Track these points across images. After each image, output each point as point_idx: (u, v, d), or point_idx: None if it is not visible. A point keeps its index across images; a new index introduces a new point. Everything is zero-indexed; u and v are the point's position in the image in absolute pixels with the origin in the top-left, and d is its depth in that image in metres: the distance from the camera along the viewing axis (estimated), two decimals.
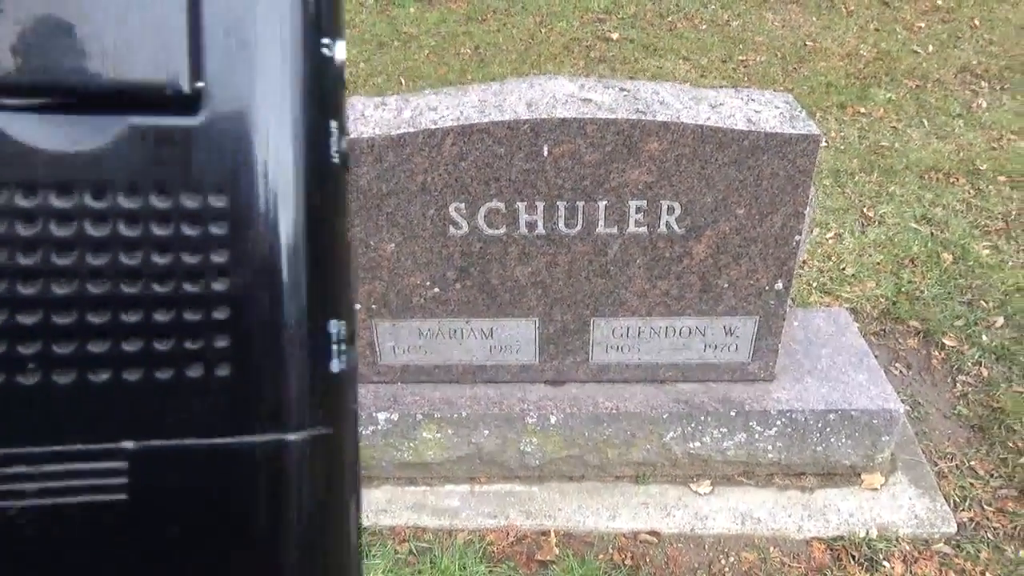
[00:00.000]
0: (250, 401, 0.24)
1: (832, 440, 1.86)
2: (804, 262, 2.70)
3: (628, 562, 1.77)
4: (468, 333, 1.81)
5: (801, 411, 1.82)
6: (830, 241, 2.85)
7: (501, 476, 1.93)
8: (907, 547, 1.79)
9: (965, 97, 3.94)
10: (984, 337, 2.39)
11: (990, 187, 3.16)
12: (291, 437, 0.24)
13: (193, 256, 0.23)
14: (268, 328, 0.24)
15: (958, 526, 1.83)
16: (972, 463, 2.01)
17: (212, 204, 0.23)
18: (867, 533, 1.81)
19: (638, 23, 4.83)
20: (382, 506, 1.88)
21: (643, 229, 1.66)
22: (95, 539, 0.23)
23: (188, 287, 0.23)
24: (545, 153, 1.57)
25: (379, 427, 1.84)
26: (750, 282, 1.73)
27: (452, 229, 1.65)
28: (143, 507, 0.23)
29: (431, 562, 1.75)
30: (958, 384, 2.26)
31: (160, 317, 0.23)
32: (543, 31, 4.73)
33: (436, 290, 1.74)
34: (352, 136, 1.55)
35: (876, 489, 1.90)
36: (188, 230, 0.23)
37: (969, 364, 2.31)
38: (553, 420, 1.83)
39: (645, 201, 1.62)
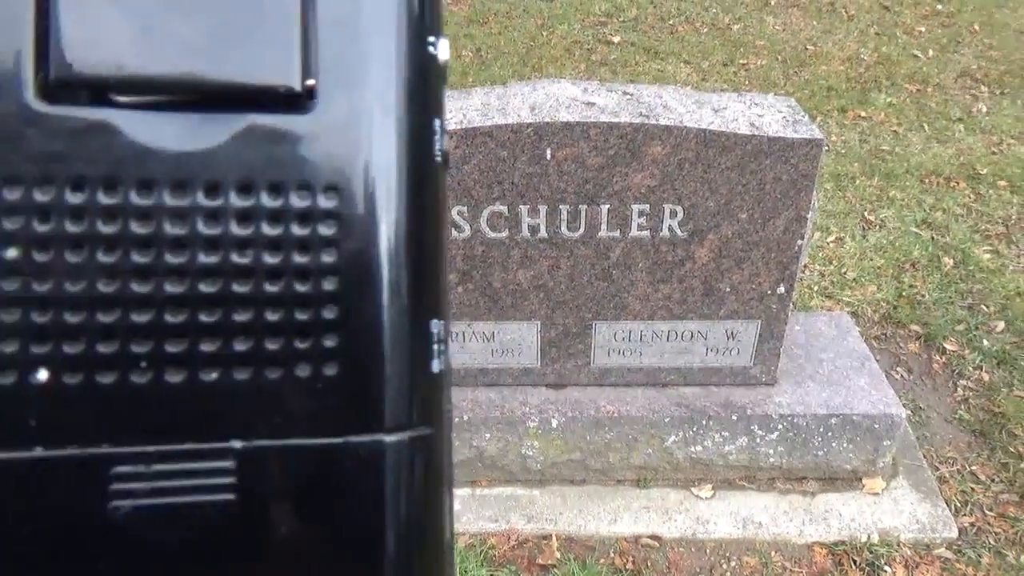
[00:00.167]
0: (356, 401, 0.24)
1: (834, 445, 1.86)
2: (805, 266, 2.70)
3: (630, 566, 1.77)
4: (470, 336, 1.81)
5: (803, 415, 1.82)
6: (831, 245, 2.85)
7: (502, 480, 1.93)
8: (908, 552, 1.79)
9: (965, 102, 3.94)
10: (985, 342, 2.39)
11: (990, 191, 3.17)
12: (394, 437, 0.24)
13: (303, 256, 0.23)
14: (375, 328, 0.24)
15: (959, 531, 1.83)
16: (973, 468, 2.01)
17: (322, 204, 0.23)
18: (868, 538, 1.81)
19: (639, 26, 4.83)
20: None
21: (645, 233, 1.66)
22: (201, 540, 0.23)
23: (298, 286, 0.23)
24: (548, 156, 1.57)
25: None
26: (752, 286, 1.73)
27: (454, 232, 1.65)
28: (248, 508, 0.23)
29: None
30: (959, 389, 2.26)
31: (270, 316, 0.23)
32: (545, 34, 4.74)
33: None
34: None
35: (877, 494, 1.90)
36: (298, 229, 0.23)
37: (970, 369, 2.31)
38: (555, 424, 1.83)
39: (648, 205, 1.62)
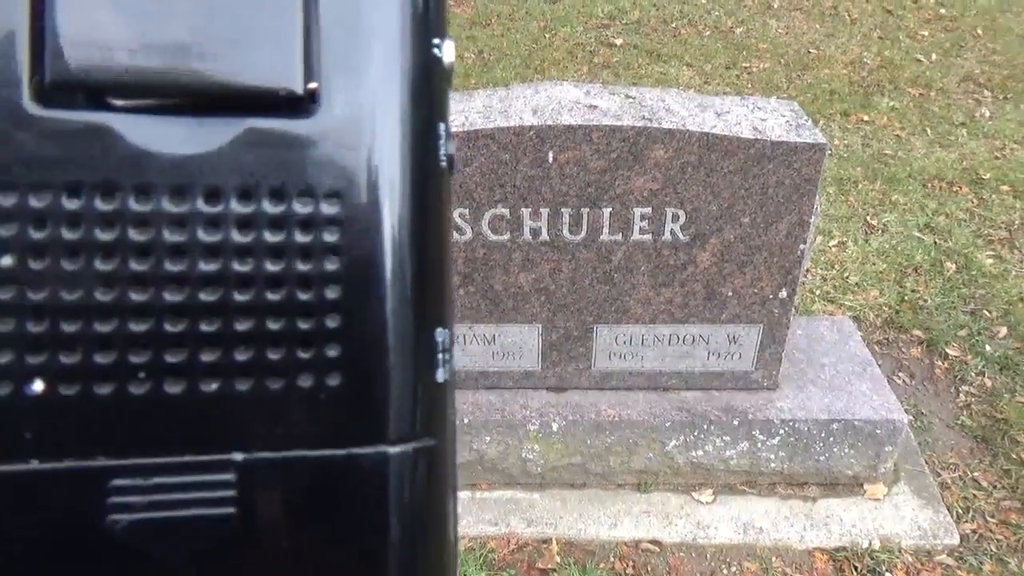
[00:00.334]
0: (359, 412, 0.23)
1: (835, 450, 1.85)
2: (807, 270, 2.70)
3: (630, 571, 1.76)
4: (471, 339, 1.81)
5: (804, 420, 1.82)
6: (833, 249, 2.84)
7: (502, 483, 1.92)
8: (910, 558, 1.79)
9: (968, 106, 3.94)
10: (987, 347, 2.38)
11: (993, 196, 3.16)
12: (398, 448, 0.24)
13: (305, 263, 0.22)
14: (379, 337, 0.23)
15: (961, 538, 1.82)
16: (975, 474, 2.00)
17: (324, 210, 0.22)
18: (870, 544, 1.80)
19: (642, 29, 4.83)
20: None
21: (647, 237, 1.65)
22: (201, 555, 0.23)
23: (300, 295, 0.22)
24: (550, 159, 1.56)
25: None
26: (754, 290, 1.73)
27: (456, 235, 1.65)
28: (249, 521, 0.23)
29: None
30: (961, 394, 2.25)
31: (272, 325, 0.22)
32: (547, 36, 4.73)
33: None
34: None
35: (879, 499, 1.89)
36: (300, 236, 0.22)
37: (972, 374, 2.30)
38: (555, 427, 1.82)
39: (650, 208, 1.62)
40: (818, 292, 2.62)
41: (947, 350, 2.38)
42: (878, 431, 1.82)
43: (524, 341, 1.81)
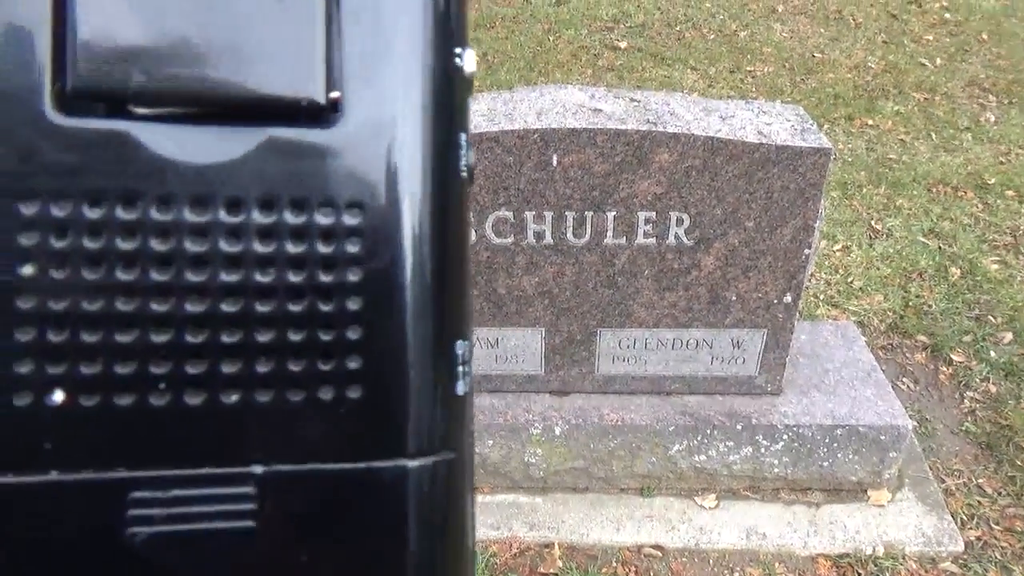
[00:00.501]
0: (379, 425, 0.23)
1: (839, 455, 1.84)
2: (812, 274, 2.69)
3: None
4: (474, 342, 1.80)
5: (808, 426, 1.81)
6: (838, 254, 2.83)
7: (505, 487, 1.92)
8: (914, 565, 1.78)
9: (973, 111, 3.93)
10: (992, 353, 2.37)
11: (998, 201, 3.15)
12: (418, 462, 0.23)
13: (326, 274, 0.22)
14: (399, 349, 0.23)
15: (965, 545, 1.81)
16: (980, 481, 1.99)
17: (346, 220, 0.22)
18: (873, 550, 1.79)
19: (646, 32, 4.83)
20: None
21: (651, 240, 1.65)
22: (220, 568, 0.23)
23: (321, 306, 0.22)
24: (554, 163, 1.56)
25: None
26: (758, 295, 1.72)
27: None
28: (268, 535, 0.23)
29: None
30: (966, 400, 2.24)
31: (293, 337, 0.22)
32: (551, 39, 4.73)
33: None
34: None
35: (883, 506, 1.88)
36: (322, 247, 0.22)
37: (977, 380, 2.29)
38: (558, 431, 1.82)
39: (654, 212, 1.61)
40: (822, 297, 2.61)
41: (952, 356, 2.38)
42: (882, 437, 1.81)
43: (527, 345, 1.81)
